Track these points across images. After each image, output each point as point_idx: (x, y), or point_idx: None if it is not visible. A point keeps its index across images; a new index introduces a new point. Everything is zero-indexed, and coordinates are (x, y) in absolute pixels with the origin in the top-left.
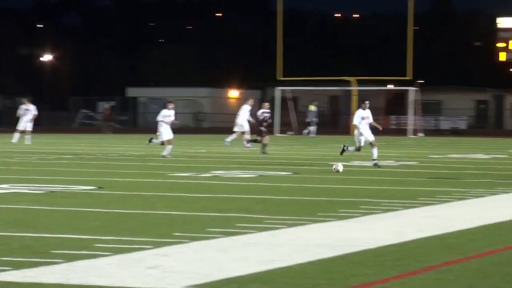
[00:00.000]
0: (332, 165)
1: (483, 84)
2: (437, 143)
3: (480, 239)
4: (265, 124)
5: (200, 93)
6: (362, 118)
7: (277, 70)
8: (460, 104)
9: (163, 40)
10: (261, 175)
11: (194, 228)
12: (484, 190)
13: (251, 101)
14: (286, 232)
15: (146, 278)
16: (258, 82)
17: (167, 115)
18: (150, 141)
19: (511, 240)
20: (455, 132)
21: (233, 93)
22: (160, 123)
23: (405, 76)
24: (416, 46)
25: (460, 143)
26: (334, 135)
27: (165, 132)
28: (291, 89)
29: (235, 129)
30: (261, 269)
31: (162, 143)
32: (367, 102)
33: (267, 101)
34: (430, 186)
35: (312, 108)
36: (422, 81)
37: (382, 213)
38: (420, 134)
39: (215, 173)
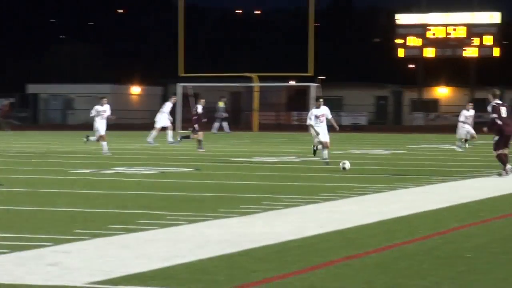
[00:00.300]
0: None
1: (383, 80)
2: (338, 139)
3: (380, 234)
4: (200, 121)
5: (102, 89)
6: (317, 117)
7: (179, 66)
8: (361, 100)
9: (64, 37)
10: (163, 172)
11: (96, 225)
12: (384, 185)
13: (174, 98)
14: (187, 228)
15: (45, 275)
16: (160, 79)
17: (101, 111)
18: (87, 139)
19: (407, 235)
20: (355, 128)
21: (135, 90)
22: (95, 119)
23: (306, 72)
24: (317, 42)
25: (361, 139)
26: (235, 132)
27: (102, 128)
28: (192, 85)
29: (156, 125)
30: (162, 266)
31: (98, 140)
32: (321, 100)
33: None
34: (332, 181)
35: (221, 104)
36: (323, 77)
37: (283, 208)
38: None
39: (117, 170)
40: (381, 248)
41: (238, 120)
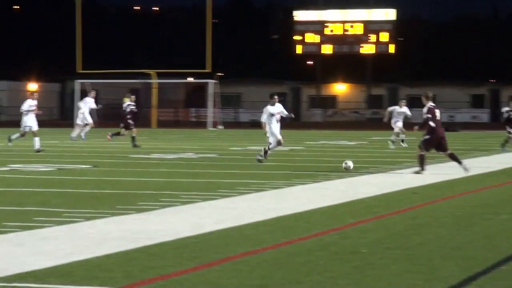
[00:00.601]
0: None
1: (281, 77)
2: (237, 135)
3: (277, 230)
4: (130, 116)
5: None
6: (272, 115)
7: (77, 63)
8: (259, 97)
9: None
10: (60, 169)
11: None
12: (282, 181)
13: (93, 93)
14: (84, 225)
15: None
16: (57, 75)
17: (32, 105)
18: (9, 140)
19: (304, 231)
20: (254, 124)
21: (32, 86)
22: (25, 113)
23: (204, 69)
24: (215, 39)
25: (259, 135)
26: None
27: (33, 123)
28: (91, 82)
29: (78, 121)
30: (59, 263)
31: (23, 135)
32: (276, 96)
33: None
34: (230, 178)
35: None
36: (221, 74)
37: (181, 205)
38: (220, 127)
39: (12, 167)
40: (278, 244)
41: (137, 116)
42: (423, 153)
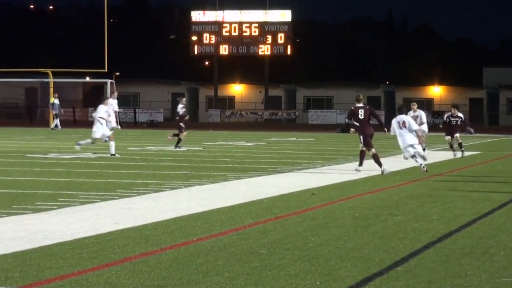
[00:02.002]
0: None
1: (179, 77)
2: (135, 135)
3: (176, 230)
4: (184, 119)
5: None
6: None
7: None
8: (157, 97)
9: None
10: None
11: None
12: (180, 182)
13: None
14: None
15: None
16: None
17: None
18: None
19: (203, 231)
20: (152, 124)
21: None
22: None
23: (102, 68)
24: (112, 38)
25: (157, 136)
26: (29, 127)
27: (105, 129)
28: None
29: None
30: None
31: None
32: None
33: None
34: (128, 178)
35: (55, 101)
36: (118, 73)
37: (79, 205)
38: (118, 126)
39: None
40: (177, 245)
41: (35, 116)
42: (363, 149)
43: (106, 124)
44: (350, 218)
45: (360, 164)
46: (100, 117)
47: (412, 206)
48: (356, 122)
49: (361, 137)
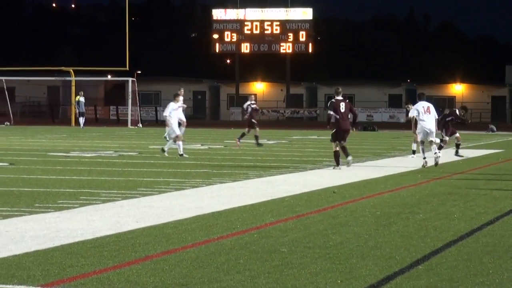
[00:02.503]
0: None
1: (200, 75)
2: (157, 133)
3: (197, 229)
4: (252, 115)
5: None
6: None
7: None
8: None
9: None
10: None
11: None
12: (201, 180)
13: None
14: (1, 224)
15: None
16: None
17: (176, 108)
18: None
19: (224, 230)
20: None
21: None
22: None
23: (123, 66)
24: (134, 37)
25: None
26: (52, 126)
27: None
28: (8, 79)
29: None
30: None
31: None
32: (180, 90)
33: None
34: (150, 176)
35: (81, 99)
36: (139, 72)
37: (101, 203)
38: (139, 125)
39: None
40: (199, 243)
41: (57, 114)
42: (337, 149)
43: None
44: (371, 217)
45: (338, 165)
46: (165, 115)
47: (434, 205)
48: (337, 115)
49: (335, 131)
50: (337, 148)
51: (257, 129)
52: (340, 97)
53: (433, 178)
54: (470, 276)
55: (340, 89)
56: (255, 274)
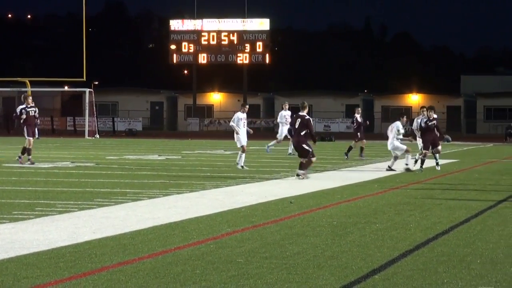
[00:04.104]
0: None
1: (157, 86)
2: (114, 144)
3: (153, 239)
4: (361, 129)
5: None
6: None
7: None
8: (135, 106)
9: None
10: None
11: None
12: (158, 190)
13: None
14: None
15: None
16: None
17: (242, 118)
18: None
19: (181, 240)
20: (131, 133)
21: None
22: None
23: (80, 77)
24: (90, 47)
25: (136, 144)
26: (8, 137)
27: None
28: None
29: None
30: None
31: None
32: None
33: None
34: (106, 187)
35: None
36: (97, 83)
37: (57, 214)
38: (96, 136)
39: None
40: (155, 254)
41: (12, 125)
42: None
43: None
44: (328, 227)
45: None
46: (232, 125)
47: (390, 214)
48: (293, 130)
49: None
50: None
51: (364, 141)
52: (302, 113)
53: (389, 188)
54: (426, 286)
55: (305, 104)
56: (212, 284)
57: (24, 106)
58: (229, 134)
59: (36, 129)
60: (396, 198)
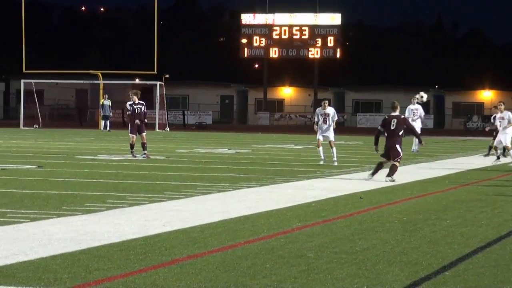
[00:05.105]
0: None
1: (228, 80)
2: (184, 137)
3: (223, 233)
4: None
5: None
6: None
7: (24, 62)
8: (206, 99)
9: None
10: (3, 169)
11: None
12: (228, 184)
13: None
14: (29, 226)
15: None
16: (2, 74)
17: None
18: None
19: (251, 234)
20: (201, 127)
21: None
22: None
23: (151, 70)
24: (161, 40)
25: (206, 138)
26: (80, 129)
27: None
28: (35, 82)
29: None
30: (2, 263)
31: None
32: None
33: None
34: (176, 180)
35: (105, 102)
36: (167, 76)
37: (127, 207)
38: (167, 129)
39: None
40: (225, 247)
41: (85, 117)
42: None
43: None
44: (397, 222)
45: (374, 174)
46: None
47: (461, 211)
48: (386, 132)
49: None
50: (381, 160)
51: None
52: (395, 113)
53: (460, 185)
54: (498, 283)
55: (396, 104)
56: (281, 279)
57: (131, 102)
58: (300, 128)
59: (143, 125)
60: (467, 195)
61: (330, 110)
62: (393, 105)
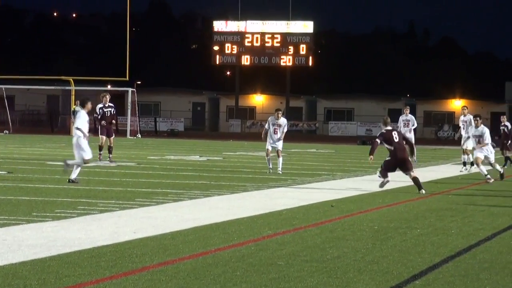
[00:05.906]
0: None
1: (200, 87)
2: (155, 144)
3: (194, 240)
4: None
5: None
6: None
7: None
8: (178, 106)
9: None
10: None
11: None
12: (199, 191)
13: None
14: None
15: None
16: None
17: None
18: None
19: (222, 242)
20: (172, 133)
21: None
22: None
23: (123, 76)
24: (134, 47)
25: (177, 145)
26: (51, 135)
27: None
28: (6, 88)
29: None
30: None
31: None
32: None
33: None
34: (148, 187)
35: (77, 108)
36: (139, 82)
37: (99, 213)
38: (138, 135)
39: None
40: (196, 255)
41: (56, 123)
42: (381, 176)
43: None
44: (368, 231)
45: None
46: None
47: (431, 220)
48: (391, 146)
49: (388, 162)
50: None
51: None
52: (389, 127)
53: (431, 194)
54: None
55: (388, 120)
56: (252, 286)
57: (101, 105)
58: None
59: (111, 128)
60: (437, 204)
61: (283, 121)
62: (386, 121)
